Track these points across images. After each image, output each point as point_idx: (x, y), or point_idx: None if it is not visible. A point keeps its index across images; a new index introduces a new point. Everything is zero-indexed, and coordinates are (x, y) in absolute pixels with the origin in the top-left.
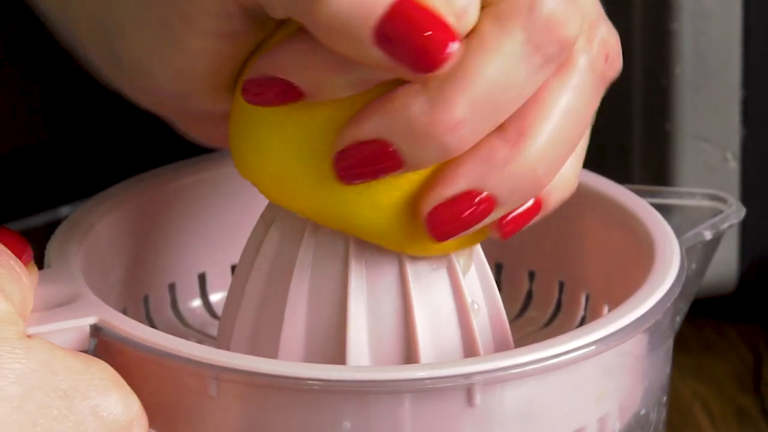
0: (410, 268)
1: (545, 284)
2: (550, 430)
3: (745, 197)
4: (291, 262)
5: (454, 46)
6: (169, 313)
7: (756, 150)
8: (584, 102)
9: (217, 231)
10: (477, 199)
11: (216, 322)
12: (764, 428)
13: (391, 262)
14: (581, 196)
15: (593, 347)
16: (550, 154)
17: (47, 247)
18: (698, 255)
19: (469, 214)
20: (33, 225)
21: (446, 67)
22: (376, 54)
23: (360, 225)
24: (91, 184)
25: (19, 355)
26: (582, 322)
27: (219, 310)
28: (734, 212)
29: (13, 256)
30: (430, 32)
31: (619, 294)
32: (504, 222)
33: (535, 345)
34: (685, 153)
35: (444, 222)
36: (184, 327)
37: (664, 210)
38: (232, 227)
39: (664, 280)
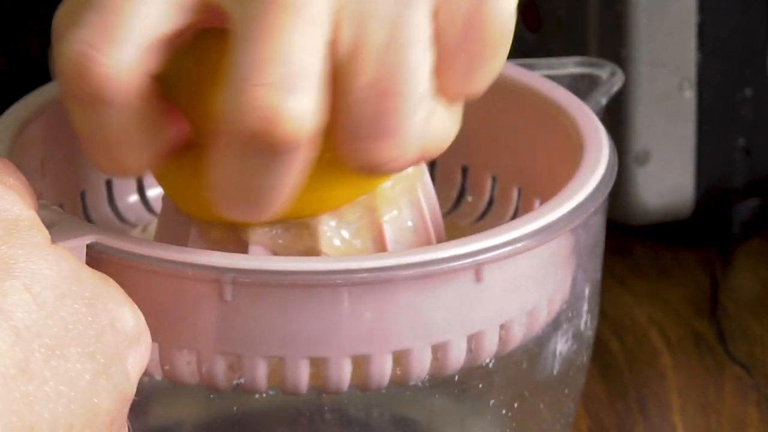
0: None
1: (478, 178)
2: (480, 323)
3: (701, 122)
4: None
5: None
6: (107, 209)
7: (712, 75)
8: None
9: None
10: None
11: (153, 218)
12: (720, 353)
13: None
14: (511, 90)
15: (524, 242)
16: None
17: None
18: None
19: None
20: None
21: None
22: None
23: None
24: None
25: (50, 261)
26: (514, 217)
27: (156, 206)
28: (615, 74)
29: (23, 177)
30: None
31: (550, 188)
32: None
33: (469, 238)
34: (640, 79)
35: None
36: (121, 223)
37: None
38: None
39: (592, 175)
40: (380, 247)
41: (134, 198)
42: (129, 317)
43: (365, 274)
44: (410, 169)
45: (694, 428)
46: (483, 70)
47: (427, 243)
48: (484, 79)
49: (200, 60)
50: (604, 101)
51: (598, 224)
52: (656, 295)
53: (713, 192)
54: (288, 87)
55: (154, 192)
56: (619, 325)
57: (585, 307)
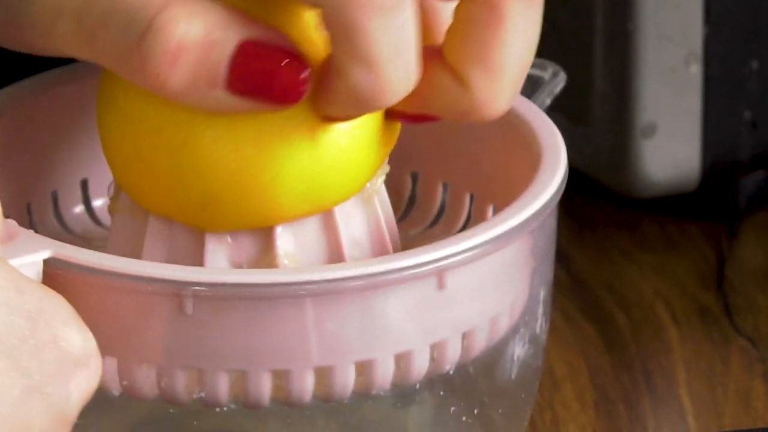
0: None
1: (429, 185)
2: (442, 331)
3: (708, 95)
4: None
5: (306, 74)
6: (53, 220)
7: (718, 48)
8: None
9: (98, 137)
10: None
11: (99, 229)
12: (726, 326)
13: None
14: None
15: (480, 249)
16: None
17: None
18: None
19: None
20: None
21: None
22: (233, 100)
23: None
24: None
25: None
26: (467, 223)
27: (101, 216)
28: (558, 74)
29: None
30: (279, 72)
31: (503, 194)
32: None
33: (431, 245)
34: (647, 52)
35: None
36: (67, 234)
37: None
38: None
39: (552, 178)
40: (338, 259)
41: (80, 209)
42: (76, 337)
43: (327, 285)
44: (368, 183)
45: (700, 401)
46: None
47: (384, 254)
48: None
49: None
50: (548, 102)
51: (552, 226)
52: (662, 268)
53: (719, 165)
54: None
55: (99, 202)
56: (625, 299)
57: (540, 310)
